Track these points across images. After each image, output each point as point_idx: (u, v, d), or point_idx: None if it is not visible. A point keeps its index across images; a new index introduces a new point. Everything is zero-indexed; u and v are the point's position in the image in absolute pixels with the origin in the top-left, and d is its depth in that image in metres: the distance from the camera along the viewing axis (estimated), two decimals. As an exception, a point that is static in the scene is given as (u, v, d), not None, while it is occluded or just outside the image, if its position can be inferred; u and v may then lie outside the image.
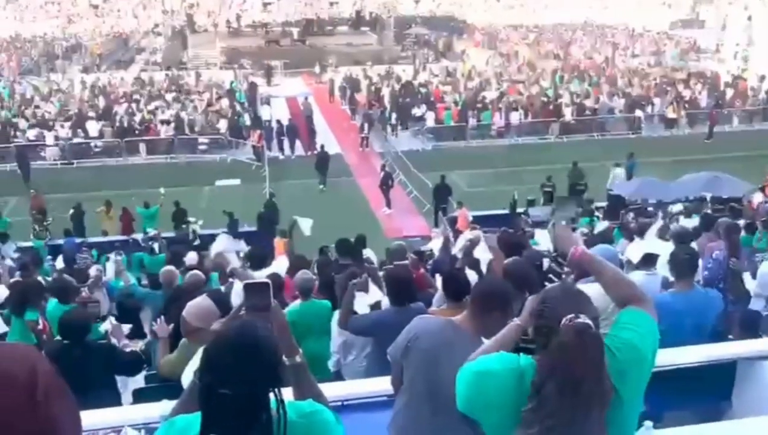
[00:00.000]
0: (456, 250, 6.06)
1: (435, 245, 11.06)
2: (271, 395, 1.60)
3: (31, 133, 24.39)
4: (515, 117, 26.78)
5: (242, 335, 1.63)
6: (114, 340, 4.79)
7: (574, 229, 9.73)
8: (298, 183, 21.32)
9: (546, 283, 3.83)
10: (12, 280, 7.84)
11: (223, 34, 41.34)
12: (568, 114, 27.01)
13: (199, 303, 3.78)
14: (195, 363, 3.56)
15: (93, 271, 9.22)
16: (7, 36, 42.60)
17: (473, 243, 5.55)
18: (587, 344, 1.86)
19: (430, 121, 26.69)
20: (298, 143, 24.96)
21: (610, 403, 1.90)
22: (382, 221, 18.54)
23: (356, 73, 33.84)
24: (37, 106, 27.66)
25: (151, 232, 14.59)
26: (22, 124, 25.19)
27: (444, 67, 36.11)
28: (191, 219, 16.26)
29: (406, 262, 6.10)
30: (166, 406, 2.79)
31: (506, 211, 16.67)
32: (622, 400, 1.97)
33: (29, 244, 15.30)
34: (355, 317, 4.08)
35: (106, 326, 5.59)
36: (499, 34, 45.71)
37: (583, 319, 1.88)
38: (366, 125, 25.69)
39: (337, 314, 4.64)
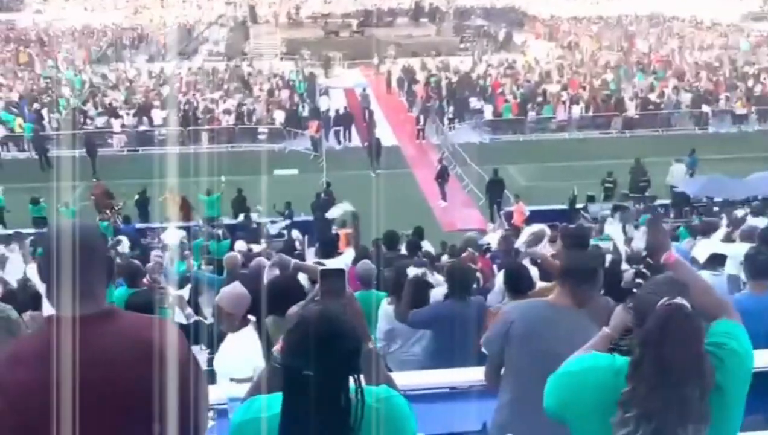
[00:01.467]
0: (519, 244, 6.00)
1: (492, 239, 10.98)
2: (350, 380, 1.64)
3: (100, 121, 25.26)
4: (576, 111, 26.28)
5: (325, 319, 1.67)
6: (178, 310, 4.93)
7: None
8: (354, 174, 21.44)
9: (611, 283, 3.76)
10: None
11: (283, 25, 41.82)
12: (631, 108, 26.35)
13: (233, 290, 3.85)
14: (230, 349, 3.68)
15: (154, 256, 9.49)
16: (78, 26, 44.11)
17: (537, 237, 5.49)
18: (682, 322, 1.84)
19: (488, 113, 26.45)
20: (353, 133, 25.21)
21: (714, 401, 1.86)
22: (438, 214, 18.51)
23: (414, 64, 33.77)
24: (105, 95, 28.61)
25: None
26: (91, 111, 26.09)
27: (503, 59, 35.66)
28: (259, 208, 16.61)
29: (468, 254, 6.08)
30: (234, 388, 2.88)
31: (565, 207, 16.42)
32: (726, 400, 1.94)
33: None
34: (415, 311, 4.10)
35: (170, 303, 5.76)
36: (561, 26, 44.81)
37: (680, 300, 1.87)
38: (423, 117, 25.65)
39: (384, 302, 4.67)
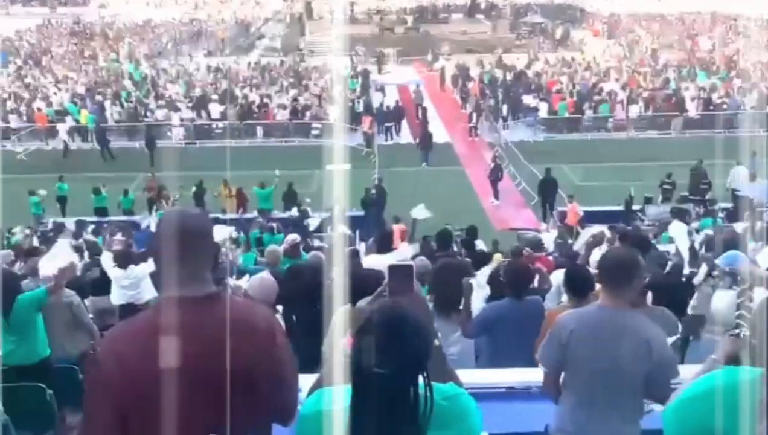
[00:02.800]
0: (578, 245, 5.88)
1: (545, 239, 10.84)
2: (419, 377, 1.64)
3: (160, 114, 25.91)
4: (635, 110, 25.68)
5: (398, 317, 1.66)
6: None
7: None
8: (406, 170, 21.45)
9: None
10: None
11: (339, 21, 42.06)
12: (692, 109, 25.59)
13: (262, 279, 3.88)
14: None
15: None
16: (140, 21, 45.33)
17: (596, 239, 5.38)
18: None
19: (543, 111, 26.08)
20: (403, 127, 25.26)
21: None
22: (489, 212, 18.36)
23: (469, 61, 33.53)
24: (165, 88, 29.34)
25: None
26: (152, 104, 26.79)
27: (560, 57, 35.09)
28: (308, 200, 16.78)
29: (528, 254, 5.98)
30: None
31: (620, 208, 16.07)
32: None
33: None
34: (475, 322, 4.04)
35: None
36: (621, 23, 43.80)
37: None
38: (476, 114, 25.47)
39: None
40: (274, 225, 14.47)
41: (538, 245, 6.56)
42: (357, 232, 15.07)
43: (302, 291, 4.86)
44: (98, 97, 27.28)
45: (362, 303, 2.03)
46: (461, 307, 3.56)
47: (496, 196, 19.00)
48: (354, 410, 1.66)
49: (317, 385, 1.96)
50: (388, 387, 1.60)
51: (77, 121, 25.37)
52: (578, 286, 3.39)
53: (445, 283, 2.94)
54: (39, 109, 25.91)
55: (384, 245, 7.45)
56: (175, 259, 1.92)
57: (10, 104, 26.95)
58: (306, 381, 3.30)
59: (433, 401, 1.63)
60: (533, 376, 3.07)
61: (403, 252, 8.23)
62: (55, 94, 28.34)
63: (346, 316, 4.00)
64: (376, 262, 7.12)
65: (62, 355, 5.47)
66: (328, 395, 1.79)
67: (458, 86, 30.72)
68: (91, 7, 52.72)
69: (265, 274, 3.83)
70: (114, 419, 1.80)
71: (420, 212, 14.20)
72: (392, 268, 1.96)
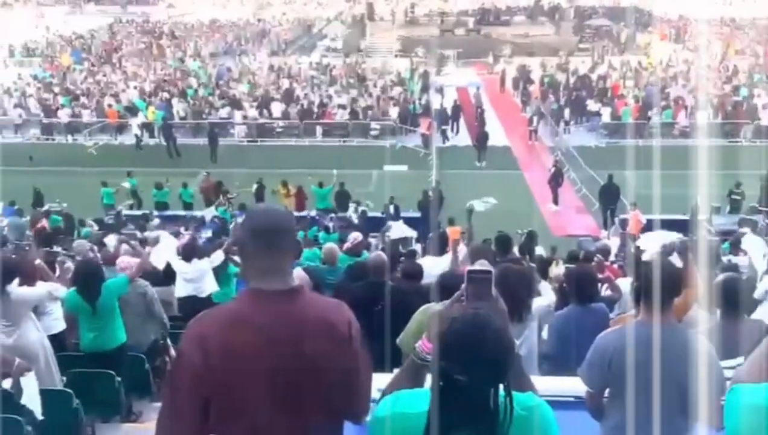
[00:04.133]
0: (647, 255, 5.72)
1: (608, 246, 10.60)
2: (500, 386, 1.62)
3: (223, 112, 26.49)
4: (703, 117, 24.87)
5: (481, 324, 1.65)
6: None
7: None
8: (464, 173, 21.33)
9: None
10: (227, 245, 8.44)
11: (400, 22, 42.17)
12: (764, 117, 24.62)
13: (295, 274, 3.89)
14: None
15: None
16: (206, 20, 46.47)
17: (668, 249, 5.23)
18: None
19: (606, 116, 25.54)
20: (461, 127, 25.17)
21: None
22: (548, 217, 18.08)
23: (530, 64, 33.11)
24: (228, 87, 29.98)
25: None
26: (216, 102, 27.41)
27: (625, 61, 34.29)
28: (369, 202, 16.85)
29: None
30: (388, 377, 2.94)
31: (685, 217, 15.60)
32: None
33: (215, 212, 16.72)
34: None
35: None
36: (689, 27, 42.48)
37: None
38: (536, 118, 25.15)
39: None
40: (330, 224, 14.61)
41: (606, 253, 6.39)
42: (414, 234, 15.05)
43: (363, 290, 4.89)
44: (165, 95, 28.08)
45: (438, 307, 2.02)
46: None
47: (556, 202, 18.70)
48: (432, 415, 1.64)
49: (393, 386, 1.96)
50: (469, 394, 1.58)
51: (145, 117, 26.14)
52: (649, 296, 3.30)
53: (509, 288, 2.90)
54: (109, 105, 26.85)
55: (439, 247, 7.41)
56: (263, 253, 1.98)
57: (82, 100, 28.00)
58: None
59: (513, 411, 1.61)
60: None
61: (458, 255, 8.17)
62: (124, 90, 29.33)
63: (426, 316, 4.03)
64: (431, 264, 7.13)
65: (133, 343, 5.64)
66: (405, 398, 1.78)
67: (519, 89, 30.39)
68: (159, 7, 54.37)
69: (299, 269, 3.88)
70: (196, 403, 1.86)
71: (480, 204, 13.98)
72: (471, 274, 1.93)
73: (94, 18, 49.94)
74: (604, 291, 4.81)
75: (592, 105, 26.39)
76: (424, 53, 36.53)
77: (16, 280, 5.18)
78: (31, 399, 4.00)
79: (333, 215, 16.43)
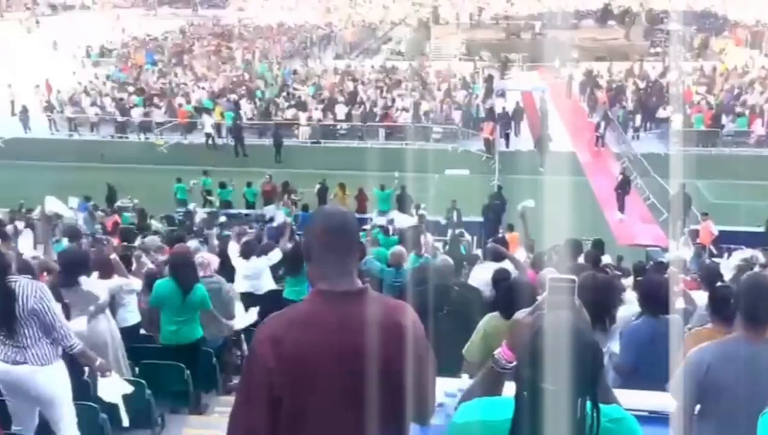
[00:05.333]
0: (727, 269, 5.50)
1: (675, 257, 10.27)
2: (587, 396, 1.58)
3: (288, 113, 26.94)
4: (780, 125, 23.87)
5: (569, 331, 1.61)
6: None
7: None
8: (526, 178, 21.03)
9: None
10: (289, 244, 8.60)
11: (465, 26, 41.99)
12: None
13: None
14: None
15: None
16: (274, 23, 47.35)
17: (749, 263, 5.03)
18: None
19: (677, 123, 24.74)
20: (522, 129, 25.02)
21: None
22: (613, 226, 17.66)
23: (598, 69, 32.43)
24: (295, 89, 30.46)
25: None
26: (282, 104, 27.90)
27: (698, 67, 33.19)
28: (423, 205, 16.82)
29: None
30: (458, 382, 2.94)
31: (760, 229, 14.98)
32: None
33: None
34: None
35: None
36: (767, 33, 40.78)
37: None
38: (603, 124, 24.60)
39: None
40: (390, 227, 14.64)
41: (680, 265, 6.19)
42: (474, 239, 14.98)
43: (428, 294, 4.89)
44: (233, 96, 28.75)
45: (520, 315, 2.00)
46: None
47: (622, 210, 18.25)
48: (516, 424, 1.63)
49: (472, 393, 1.95)
50: (556, 404, 1.55)
51: (213, 117, 26.77)
52: (727, 311, 3.20)
53: (593, 297, 2.84)
54: (179, 105, 27.68)
55: (497, 254, 7.31)
56: (329, 254, 2.01)
57: (154, 100, 28.94)
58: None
59: (599, 423, 1.58)
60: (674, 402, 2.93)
61: (518, 259, 8.07)
62: (194, 91, 30.17)
63: (492, 324, 4.01)
64: (489, 270, 7.05)
65: (207, 337, 5.80)
66: (487, 405, 1.77)
67: (585, 94, 29.80)
68: (229, 10, 55.74)
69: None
70: (268, 402, 1.90)
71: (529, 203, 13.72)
72: (553, 281, 1.90)
73: (167, 20, 51.59)
74: (677, 303, 4.69)
75: (662, 111, 25.64)
76: (489, 57, 36.26)
77: (95, 273, 5.41)
78: (110, 396, 4.14)
79: (392, 218, 16.47)
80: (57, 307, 3.98)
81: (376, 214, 17.23)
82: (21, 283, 3.82)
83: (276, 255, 8.09)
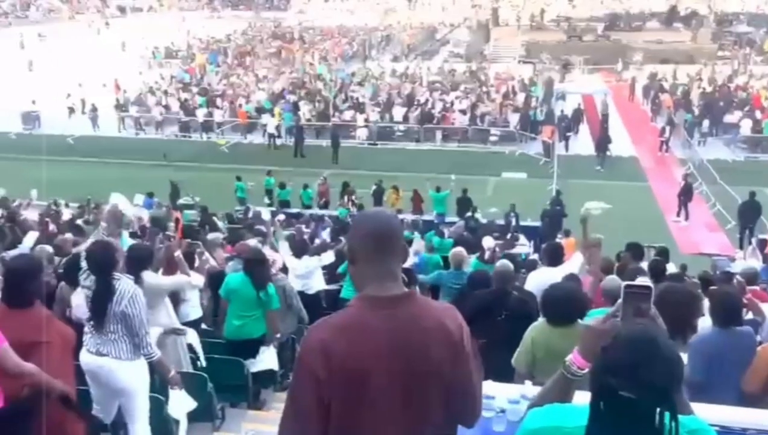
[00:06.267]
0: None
1: (739, 267, 9.91)
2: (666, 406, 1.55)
3: (346, 115, 27.16)
4: None
5: (651, 339, 1.58)
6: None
7: None
8: (585, 183, 20.64)
9: None
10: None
11: (525, 28, 41.54)
12: None
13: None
14: None
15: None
16: (334, 26, 47.85)
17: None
18: None
19: (745, 128, 23.90)
20: (582, 132, 24.64)
21: None
22: (675, 233, 17.14)
23: (663, 72, 31.58)
24: (353, 90, 30.70)
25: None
26: (340, 105, 28.15)
27: (769, 70, 31.99)
28: (476, 208, 16.68)
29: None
30: (487, 386, 2.91)
31: (836, 241, 14.29)
32: None
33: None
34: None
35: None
36: None
37: None
38: (668, 128, 23.94)
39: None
40: (445, 229, 14.58)
41: (753, 277, 5.95)
42: (532, 243, 14.77)
43: (487, 298, 4.86)
44: (292, 97, 29.17)
45: (591, 322, 1.96)
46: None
47: (686, 217, 17.71)
48: (590, 432, 1.60)
49: (543, 399, 1.93)
50: (633, 413, 1.52)
51: (273, 118, 27.21)
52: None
53: (671, 307, 2.75)
54: (240, 106, 28.26)
55: (553, 258, 7.17)
56: (375, 258, 1.99)
57: (217, 100, 29.61)
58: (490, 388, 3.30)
59: (678, 433, 1.55)
60: (749, 417, 2.82)
61: (573, 264, 7.91)
62: (254, 92, 30.75)
63: (538, 332, 3.96)
64: (546, 275, 6.93)
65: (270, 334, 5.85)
66: (560, 411, 1.75)
67: (649, 98, 29.07)
68: (290, 12, 56.61)
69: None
70: (317, 407, 1.88)
71: (595, 206, 13.32)
72: (629, 289, 1.86)
73: (231, 22, 52.72)
74: (747, 315, 4.52)
75: (730, 116, 24.78)
76: (549, 59, 35.75)
77: (161, 270, 5.56)
78: (177, 412, 4.28)
79: (448, 220, 16.42)
80: (145, 315, 4.13)
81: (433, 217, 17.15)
82: (121, 283, 4.02)
83: (328, 256, 8.15)
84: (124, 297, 3.97)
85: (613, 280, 4.55)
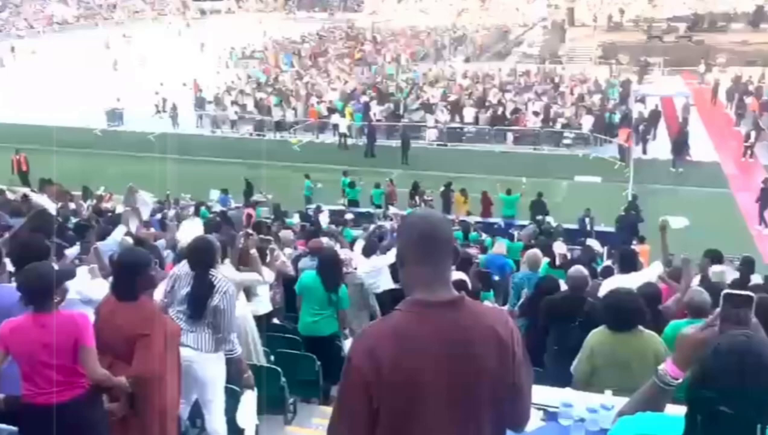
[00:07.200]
0: None
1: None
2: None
3: (416, 115, 27.16)
4: None
5: (754, 351, 1.51)
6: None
7: None
8: (663, 188, 19.98)
9: None
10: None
11: (602, 28, 40.54)
12: None
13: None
14: None
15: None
16: (406, 26, 47.95)
17: None
18: None
19: (840, 134, 22.60)
20: (659, 134, 23.95)
21: None
22: (758, 242, 16.36)
23: (749, 74, 30.19)
24: (423, 91, 30.68)
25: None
26: (412, 106, 28.17)
27: None
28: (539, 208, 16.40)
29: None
30: (566, 394, 2.87)
31: None
32: None
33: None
34: None
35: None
36: None
37: None
38: (753, 133, 22.87)
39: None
40: (515, 233, 14.41)
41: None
42: (605, 249, 14.39)
43: (560, 305, 4.79)
44: (364, 97, 29.40)
45: (689, 330, 1.90)
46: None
47: (764, 223, 16.92)
48: None
49: (631, 409, 1.88)
50: (733, 429, 1.46)
51: (343, 117, 27.50)
52: None
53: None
54: (312, 106, 28.69)
55: (625, 265, 6.95)
56: (425, 262, 1.96)
57: (291, 100, 30.17)
58: (551, 394, 3.24)
59: None
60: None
61: (651, 272, 7.65)
62: (327, 92, 31.15)
63: (598, 339, 3.87)
64: (621, 283, 6.75)
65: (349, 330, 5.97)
66: (652, 421, 1.71)
67: (733, 101, 27.84)
68: (363, 13, 57.09)
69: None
70: (366, 412, 1.88)
71: (678, 221, 12.77)
72: (728, 297, 1.78)
73: (305, 24, 53.64)
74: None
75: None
76: (627, 60, 34.77)
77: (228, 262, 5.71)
78: (245, 417, 4.38)
79: (518, 223, 16.22)
80: (234, 313, 4.27)
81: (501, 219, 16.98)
82: (219, 280, 4.17)
83: (394, 256, 8.15)
84: (219, 293, 4.11)
85: (699, 292, 4.39)
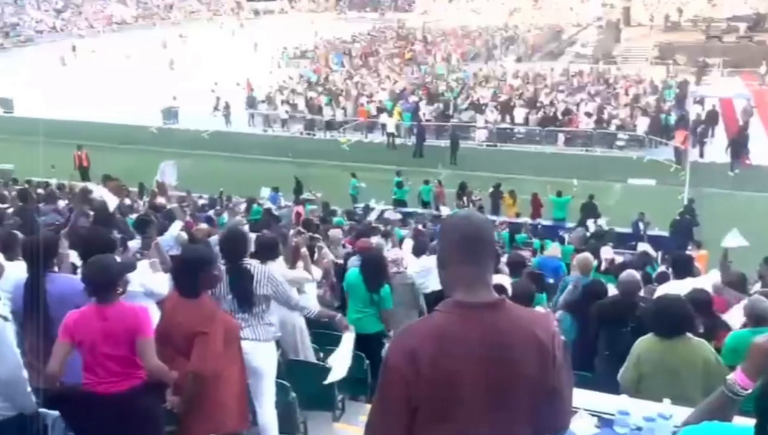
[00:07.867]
0: None
1: None
2: None
3: (466, 115, 27.02)
4: None
5: None
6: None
7: None
8: (720, 192, 19.41)
9: None
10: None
11: (659, 28, 39.59)
12: None
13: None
14: None
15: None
16: (458, 26, 47.74)
17: None
18: None
19: None
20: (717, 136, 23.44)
21: None
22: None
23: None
24: (474, 91, 30.50)
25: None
26: (462, 106, 28.03)
27: None
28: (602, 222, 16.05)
29: None
30: (622, 401, 2.83)
31: None
32: None
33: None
34: None
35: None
36: None
37: None
38: (817, 137, 22.06)
39: None
40: (566, 236, 14.22)
41: None
42: (659, 254, 14.06)
43: (611, 309, 4.72)
44: (413, 97, 29.39)
45: (761, 339, 1.86)
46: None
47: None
48: None
49: (698, 417, 1.85)
50: None
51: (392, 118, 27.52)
52: None
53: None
54: (361, 105, 28.83)
55: (679, 270, 6.75)
56: (466, 263, 1.95)
57: (341, 100, 30.38)
58: (606, 401, 3.20)
59: None
60: None
61: (706, 280, 7.44)
62: (377, 92, 31.26)
63: (645, 347, 3.79)
64: (675, 289, 6.60)
65: (395, 330, 5.97)
66: (719, 431, 1.67)
67: (797, 103, 26.87)
68: (414, 13, 57.10)
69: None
70: (405, 412, 1.88)
71: (733, 240, 12.39)
72: None
73: (356, 24, 53.94)
74: None
75: None
76: (685, 61, 33.88)
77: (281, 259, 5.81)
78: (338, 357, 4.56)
79: (567, 226, 16.00)
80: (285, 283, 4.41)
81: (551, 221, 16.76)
82: (255, 268, 4.28)
83: None
84: (261, 280, 4.20)
85: (760, 300, 4.26)
